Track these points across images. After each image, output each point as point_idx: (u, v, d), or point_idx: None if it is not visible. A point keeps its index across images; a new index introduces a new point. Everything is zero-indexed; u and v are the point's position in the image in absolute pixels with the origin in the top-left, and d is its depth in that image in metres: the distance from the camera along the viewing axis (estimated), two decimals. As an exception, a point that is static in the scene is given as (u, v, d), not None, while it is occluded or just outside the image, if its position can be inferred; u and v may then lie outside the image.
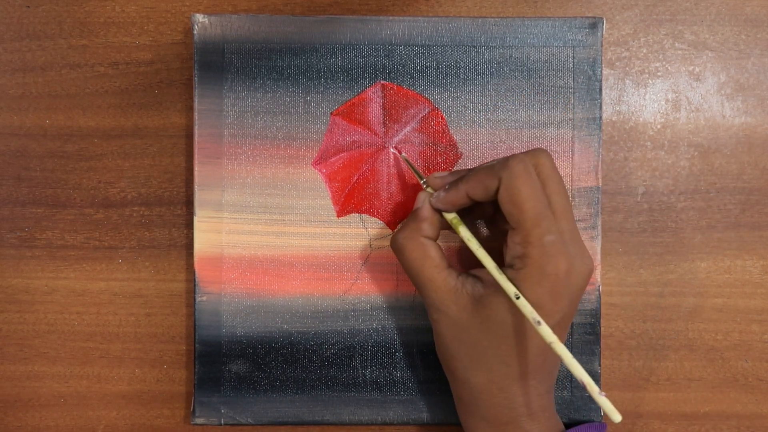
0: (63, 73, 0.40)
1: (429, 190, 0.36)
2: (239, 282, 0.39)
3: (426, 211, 0.35)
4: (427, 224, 0.35)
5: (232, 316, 0.39)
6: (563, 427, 0.35)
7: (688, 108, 0.41)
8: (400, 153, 0.39)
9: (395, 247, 0.35)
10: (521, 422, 0.34)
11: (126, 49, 0.40)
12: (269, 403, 0.39)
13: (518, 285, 0.32)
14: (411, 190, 0.39)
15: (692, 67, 0.41)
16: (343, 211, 0.39)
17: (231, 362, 0.39)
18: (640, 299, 0.40)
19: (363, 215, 0.39)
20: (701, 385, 0.40)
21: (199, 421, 0.39)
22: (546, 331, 0.31)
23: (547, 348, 0.32)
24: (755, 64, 0.41)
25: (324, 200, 0.39)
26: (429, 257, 0.34)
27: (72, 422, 0.40)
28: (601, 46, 0.39)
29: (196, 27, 0.39)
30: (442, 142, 0.39)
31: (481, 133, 0.39)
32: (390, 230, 0.39)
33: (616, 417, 0.29)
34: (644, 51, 0.41)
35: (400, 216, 0.39)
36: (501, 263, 0.34)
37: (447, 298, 0.34)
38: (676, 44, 0.41)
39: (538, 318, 0.31)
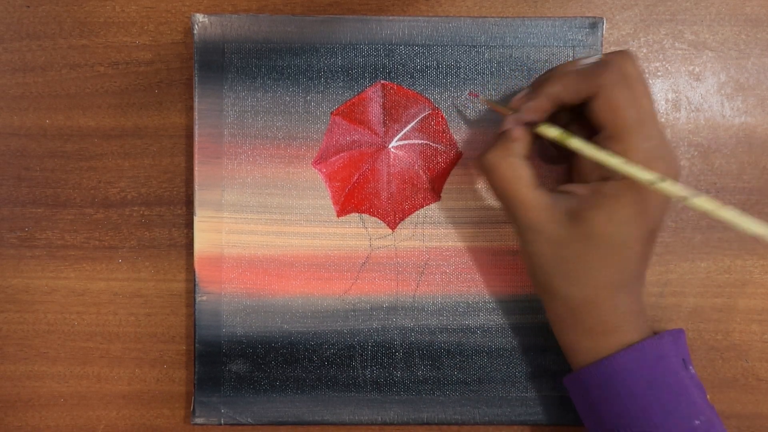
0: (63, 73, 0.40)
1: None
2: (239, 282, 0.39)
3: (517, 132, 0.34)
4: (519, 144, 0.34)
5: (232, 316, 0.39)
6: (654, 331, 0.35)
7: (688, 108, 0.41)
8: (476, 96, 0.38)
9: (486, 166, 0.34)
10: (622, 328, 0.34)
11: (126, 49, 0.40)
12: (269, 403, 0.39)
13: (616, 191, 0.32)
14: (411, 190, 0.39)
15: (692, 67, 0.41)
16: (343, 210, 0.39)
17: (231, 362, 0.39)
18: (640, 299, 0.40)
19: (363, 215, 0.39)
20: (701, 385, 0.40)
21: (199, 421, 0.39)
22: (703, 203, 0.30)
23: (649, 253, 0.33)
24: (755, 64, 0.41)
25: (324, 200, 0.39)
26: (521, 177, 0.34)
27: (72, 422, 0.40)
28: (601, 46, 0.39)
29: (196, 27, 0.39)
30: (442, 142, 0.39)
31: (481, 133, 0.39)
32: (390, 230, 0.39)
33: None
34: (644, 51, 0.41)
35: (401, 216, 0.39)
36: (568, 181, 0.34)
37: (543, 216, 0.33)
38: (676, 44, 0.41)
39: (685, 193, 0.30)
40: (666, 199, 0.33)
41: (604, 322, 0.34)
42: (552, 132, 0.34)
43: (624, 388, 0.33)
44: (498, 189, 0.34)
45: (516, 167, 0.34)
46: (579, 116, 0.35)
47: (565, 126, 0.35)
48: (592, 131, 0.34)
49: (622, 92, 0.32)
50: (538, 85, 0.34)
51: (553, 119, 0.35)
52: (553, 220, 0.33)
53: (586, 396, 0.35)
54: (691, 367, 0.34)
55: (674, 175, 0.32)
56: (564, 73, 0.33)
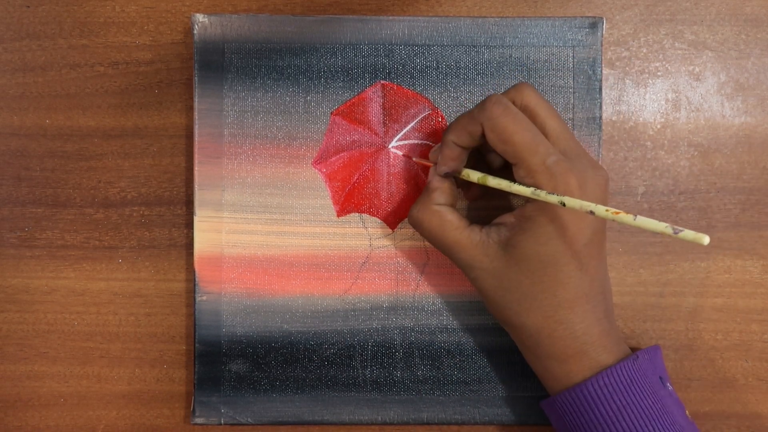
0: (63, 73, 0.40)
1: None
2: (239, 282, 0.39)
3: (435, 182, 0.36)
4: (438, 193, 0.35)
5: (232, 316, 0.39)
6: (629, 350, 0.35)
7: (688, 108, 0.41)
8: (410, 157, 0.39)
9: (412, 221, 0.36)
10: (587, 350, 0.34)
11: (126, 49, 0.40)
12: (269, 403, 0.39)
13: (534, 213, 0.33)
14: (411, 190, 0.39)
15: (692, 67, 0.41)
16: (343, 210, 0.39)
17: (231, 362, 0.39)
18: (640, 299, 0.40)
19: (363, 215, 0.39)
20: (701, 385, 0.40)
21: (199, 420, 0.39)
22: (601, 212, 0.30)
23: (591, 268, 0.33)
24: (755, 64, 0.41)
25: (324, 200, 0.39)
26: (447, 221, 0.35)
27: (72, 422, 0.40)
28: (601, 46, 0.39)
29: (196, 27, 0.39)
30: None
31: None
32: (390, 230, 0.39)
33: (705, 238, 0.28)
34: (644, 51, 0.41)
35: (400, 216, 0.39)
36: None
37: (477, 253, 0.34)
38: (676, 44, 0.41)
39: (590, 207, 0.30)
40: (599, 203, 0.33)
41: (564, 346, 0.34)
42: (473, 176, 0.35)
43: (599, 414, 0.33)
44: (430, 239, 0.36)
45: (440, 215, 0.35)
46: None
47: (499, 164, 0.37)
48: None
49: (505, 120, 0.33)
50: (444, 133, 0.35)
51: (486, 162, 0.37)
52: (487, 254, 0.34)
53: (562, 421, 0.35)
54: (669, 384, 0.34)
55: (593, 185, 0.33)
56: (456, 120, 0.35)
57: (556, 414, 0.35)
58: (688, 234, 0.28)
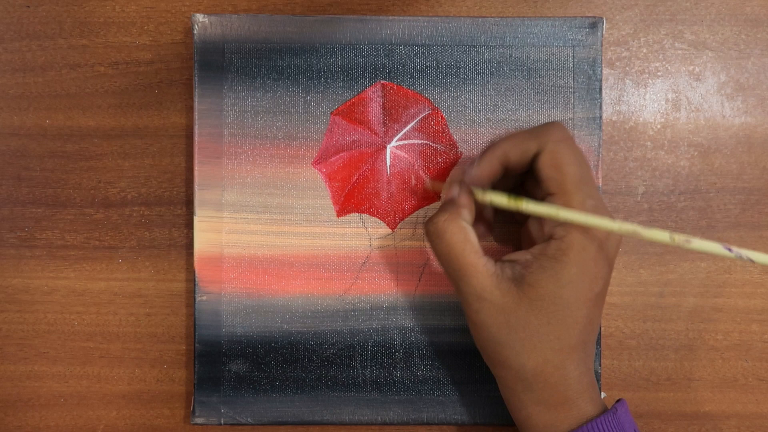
0: (63, 73, 0.40)
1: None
2: (239, 282, 0.39)
3: (464, 198, 0.34)
4: (467, 211, 0.34)
5: (232, 316, 0.39)
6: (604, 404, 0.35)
7: (688, 108, 0.41)
8: (428, 179, 0.39)
9: (434, 229, 0.34)
10: (576, 400, 0.33)
11: (126, 49, 0.40)
12: (269, 403, 0.39)
13: (558, 252, 0.32)
14: (411, 190, 0.39)
15: (692, 67, 0.41)
16: (343, 210, 0.39)
17: (231, 362, 0.39)
18: (640, 299, 0.40)
19: (363, 215, 0.39)
20: (701, 385, 0.40)
21: (199, 420, 0.39)
22: (629, 227, 0.31)
23: (595, 317, 0.33)
24: (755, 64, 0.41)
25: (324, 200, 0.39)
26: (470, 242, 0.33)
27: (72, 422, 0.40)
28: (601, 45, 0.39)
29: (196, 27, 0.39)
30: (442, 141, 0.39)
31: (481, 133, 0.39)
32: (390, 230, 0.39)
33: (765, 258, 0.29)
34: (644, 51, 0.41)
35: (401, 216, 0.39)
36: (517, 247, 0.35)
37: (490, 283, 0.33)
38: (676, 44, 0.41)
39: (615, 225, 0.31)
40: (610, 259, 0.33)
41: (556, 393, 0.33)
42: (500, 199, 0.33)
43: None
44: (444, 255, 0.33)
45: (465, 232, 0.33)
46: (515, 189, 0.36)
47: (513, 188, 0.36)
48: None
49: (566, 149, 0.32)
50: (483, 154, 0.34)
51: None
52: (499, 287, 0.33)
53: None
54: None
55: (614, 239, 0.33)
56: (512, 135, 0.34)
57: None
58: (761, 257, 0.29)
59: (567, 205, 0.32)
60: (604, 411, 0.33)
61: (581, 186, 0.32)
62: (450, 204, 0.34)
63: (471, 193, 0.34)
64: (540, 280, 0.32)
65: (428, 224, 0.34)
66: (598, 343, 0.39)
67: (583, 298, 0.32)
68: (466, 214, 0.34)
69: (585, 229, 0.32)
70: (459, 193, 0.34)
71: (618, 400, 0.34)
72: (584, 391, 0.33)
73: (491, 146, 0.34)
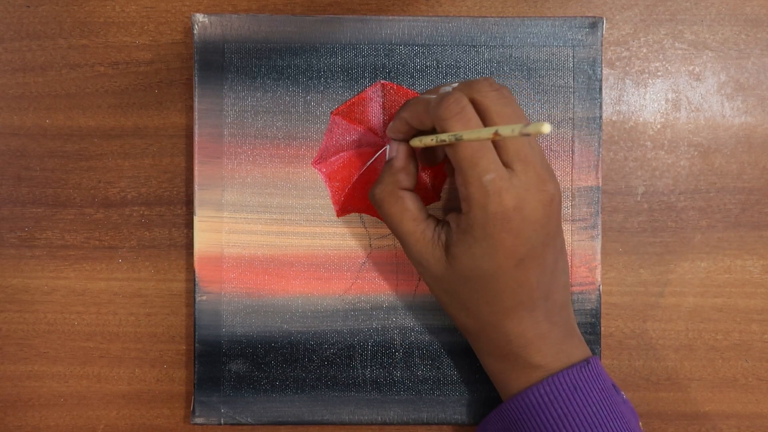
0: (63, 73, 0.40)
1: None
2: (239, 282, 0.39)
3: (399, 161, 0.35)
4: (403, 174, 0.35)
5: (232, 316, 0.39)
6: (586, 349, 0.35)
7: (688, 108, 0.41)
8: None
9: (374, 201, 0.35)
10: (519, 352, 0.34)
11: (126, 49, 0.40)
12: (269, 403, 0.39)
13: (467, 227, 0.32)
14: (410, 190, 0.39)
15: (692, 67, 0.41)
16: (343, 210, 0.39)
17: (231, 362, 0.39)
18: (640, 299, 0.40)
19: (363, 215, 0.39)
20: (701, 385, 0.40)
21: (198, 420, 0.39)
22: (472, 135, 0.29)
23: (531, 280, 0.32)
24: (755, 64, 0.41)
25: (324, 200, 0.39)
26: (407, 210, 0.34)
27: (72, 422, 0.40)
28: (601, 45, 0.39)
29: (196, 27, 0.39)
30: (442, 141, 0.39)
31: (481, 133, 0.39)
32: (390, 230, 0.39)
33: (545, 127, 0.24)
34: (644, 51, 0.41)
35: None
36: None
37: (425, 251, 0.34)
38: (676, 44, 0.41)
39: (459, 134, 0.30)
40: (534, 220, 0.32)
41: (498, 348, 0.34)
42: (428, 139, 0.33)
43: (539, 425, 0.33)
44: (387, 222, 0.35)
45: (402, 201, 0.34)
46: None
47: None
48: None
49: (452, 123, 0.31)
50: (401, 107, 0.35)
51: None
52: (433, 254, 0.34)
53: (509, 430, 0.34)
54: (622, 393, 0.34)
55: (533, 205, 0.31)
56: (415, 102, 0.34)
57: (503, 423, 0.35)
58: (530, 127, 0.25)
59: (464, 181, 0.31)
60: (563, 363, 0.34)
61: (476, 161, 0.31)
62: (387, 170, 0.35)
63: (407, 152, 0.35)
64: (459, 254, 0.33)
65: (370, 193, 0.35)
66: (597, 343, 0.39)
67: (505, 266, 0.32)
68: (404, 179, 0.34)
69: (484, 203, 0.31)
70: (393, 155, 0.35)
71: (587, 360, 0.34)
72: (531, 345, 0.34)
73: (400, 109, 0.35)
